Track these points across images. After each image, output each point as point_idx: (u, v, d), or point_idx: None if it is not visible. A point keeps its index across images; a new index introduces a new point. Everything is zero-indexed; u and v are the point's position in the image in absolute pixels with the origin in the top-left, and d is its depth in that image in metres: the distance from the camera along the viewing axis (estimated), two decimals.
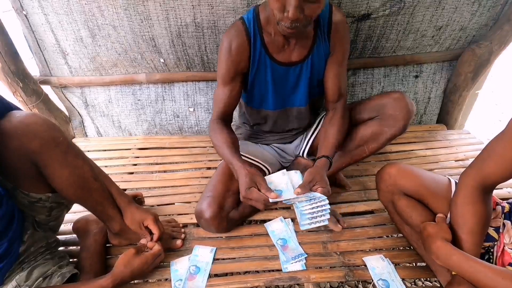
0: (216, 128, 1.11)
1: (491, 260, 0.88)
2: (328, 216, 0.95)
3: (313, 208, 0.93)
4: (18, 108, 0.82)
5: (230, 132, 1.12)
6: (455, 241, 0.85)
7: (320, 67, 1.12)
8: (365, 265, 1.03)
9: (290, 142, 1.35)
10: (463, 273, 0.79)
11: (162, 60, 1.47)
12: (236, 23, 1.04)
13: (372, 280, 0.98)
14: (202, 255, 1.07)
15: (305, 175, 1.00)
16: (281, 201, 0.94)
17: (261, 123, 1.27)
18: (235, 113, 1.66)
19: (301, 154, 1.34)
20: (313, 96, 1.20)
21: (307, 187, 0.95)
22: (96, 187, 0.93)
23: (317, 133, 1.30)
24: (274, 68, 1.08)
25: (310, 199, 0.93)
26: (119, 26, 1.33)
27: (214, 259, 1.07)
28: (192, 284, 0.99)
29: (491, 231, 0.89)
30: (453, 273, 0.84)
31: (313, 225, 0.94)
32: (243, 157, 1.22)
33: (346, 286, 1.27)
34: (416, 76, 1.64)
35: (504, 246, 0.85)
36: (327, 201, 0.93)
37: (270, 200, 0.91)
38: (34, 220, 0.93)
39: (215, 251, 1.09)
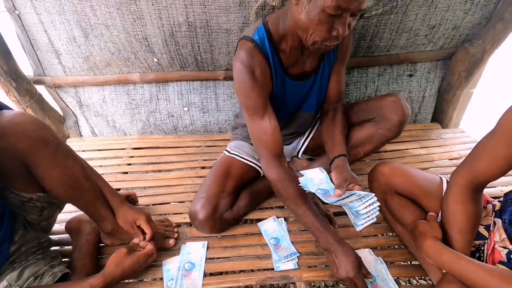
0: (279, 175, 1.00)
1: (482, 258, 0.89)
2: (377, 213, 0.93)
3: (366, 207, 0.91)
4: (8, 107, 0.82)
5: (295, 178, 0.99)
6: (446, 240, 0.85)
7: (329, 72, 1.12)
8: None
9: (288, 144, 1.34)
10: (454, 272, 0.79)
11: (155, 60, 1.47)
12: (246, 45, 0.95)
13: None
14: (195, 251, 1.07)
15: (335, 176, 0.98)
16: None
17: None
18: (230, 113, 1.67)
19: (296, 154, 1.34)
20: (322, 103, 1.19)
21: (344, 187, 0.93)
22: (87, 187, 0.93)
23: (314, 133, 1.30)
24: (291, 84, 1.06)
25: (360, 198, 0.92)
26: (111, 26, 1.32)
27: (207, 254, 1.07)
28: (189, 280, 0.99)
29: (482, 229, 0.90)
30: (443, 271, 0.84)
31: (367, 224, 0.93)
32: (238, 157, 1.23)
33: (340, 285, 1.28)
34: (410, 75, 1.64)
35: (494, 244, 0.85)
36: (376, 198, 0.92)
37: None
38: (25, 220, 0.93)
39: (207, 245, 1.10)
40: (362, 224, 0.93)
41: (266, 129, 1.00)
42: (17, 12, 1.33)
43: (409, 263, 1.11)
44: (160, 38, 1.36)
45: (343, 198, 0.91)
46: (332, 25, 0.83)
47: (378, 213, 0.93)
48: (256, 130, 1.01)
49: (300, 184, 0.97)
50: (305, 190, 0.96)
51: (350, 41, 1.13)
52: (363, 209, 0.91)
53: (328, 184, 0.98)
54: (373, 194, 0.91)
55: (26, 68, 1.52)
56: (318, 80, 1.10)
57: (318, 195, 0.94)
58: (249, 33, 0.98)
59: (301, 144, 1.32)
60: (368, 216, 0.92)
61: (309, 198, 1.01)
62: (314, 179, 0.99)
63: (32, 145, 0.78)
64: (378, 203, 0.91)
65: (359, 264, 0.92)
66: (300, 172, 1.01)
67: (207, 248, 1.10)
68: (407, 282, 1.27)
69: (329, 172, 1.01)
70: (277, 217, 1.20)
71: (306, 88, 1.11)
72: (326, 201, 0.92)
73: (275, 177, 1.00)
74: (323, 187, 0.96)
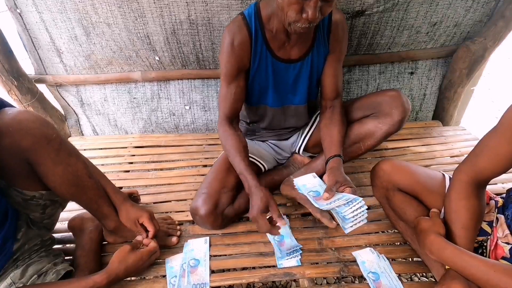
0: (225, 132, 1.10)
1: (484, 254, 0.89)
2: (366, 215, 0.97)
3: (353, 211, 0.95)
4: (10, 105, 0.82)
5: (239, 136, 1.11)
6: (449, 236, 0.85)
7: (319, 65, 1.13)
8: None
9: (286, 139, 1.35)
10: (457, 267, 0.79)
11: (157, 58, 1.47)
12: (237, 18, 1.04)
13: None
14: (197, 248, 1.08)
15: (327, 178, 1.01)
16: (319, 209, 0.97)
17: (258, 121, 1.28)
18: None
19: (297, 150, 1.35)
20: (312, 97, 1.21)
21: (333, 190, 0.96)
22: (90, 185, 0.93)
23: (314, 130, 1.30)
24: (274, 64, 1.09)
25: (348, 203, 0.94)
26: (113, 24, 1.32)
27: (210, 249, 1.08)
28: (196, 276, 0.99)
29: (485, 225, 0.90)
30: (446, 267, 0.85)
31: (355, 227, 0.98)
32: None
33: (342, 282, 1.28)
34: (412, 73, 1.64)
35: (497, 240, 0.85)
36: (364, 202, 0.95)
37: (281, 227, 0.96)
38: (28, 218, 0.93)
39: (209, 240, 1.11)
40: (350, 227, 0.97)
41: (227, 95, 1.09)
42: (18, 10, 1.33)
43: (411, 259, 1.11)
44: (162, 36, 1.36)
45: (331, 203, 0.94)
46: (302, 6, 0.85)
47: (366, 215, 0.97)
48: (221, 95, 1.11)
49: (295, 187, 1.06)
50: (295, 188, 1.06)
51: (343, 35, 1.11)
52: (350, 214, 0.94)
53: (321, 187, 1.02)
54: (361, 199, 0.94)
55: (28, 66, 1.52)
56: (307, 69, 1.11)
57: (309, 199, 0.99)
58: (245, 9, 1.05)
59: (300, 141, 1.33)
60: (355, 220, 0.96)
61: (246, 153, 1.09)
62: (306, 184, 1.05)
63: (35, 142, 0.78)
64: (366, 207, 0.95)
65: (264, 205, 0.96)
66: (293, 179, 1.08)
67: (210, 243, 1.10)
68: (409, 279, 1.27)
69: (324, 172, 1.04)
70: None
71: (293, 74, 1.12)
72: (316, 206, 0.96)
73: (221, 134, 1.11)
74: (315, 189, 1.02)
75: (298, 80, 1.13)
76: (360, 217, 0.96)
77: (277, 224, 0.96)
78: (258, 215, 0.96)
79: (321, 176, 1.06)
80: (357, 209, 0.94)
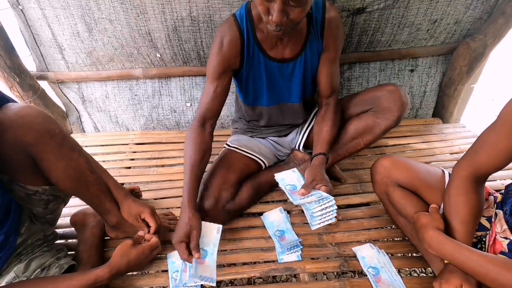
0: (191, 133, 1.06)
1: (483, 249, 0.90)
2: (335, 214, 1.01)
3: (322, 209, 0.98)
4: (13, 101, 0.82)
5: (202, 142, 1.06)
6: (448, 231, 0.86)
7: (313, 63, 1.13)
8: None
9: (286, 135, 1.36)
10: (455, 261, 0.80)
11: (158, 55, 1.47)
12: (229, 19, 1.04)
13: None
14: (209, 234, 1.02)
15: (306, 175, 1.05)
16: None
17: (257, 119, 1.29)
18: (232, 108, 1.68)
19: (296, 147, 1.35)
20: (307, 94, 1.21)
21: (310, 187, 1.00)
22: (92, 180, 0.94)
23: (312, 126, 1.31)
24: (267, 64, 1.09)
25: (319, 200, 0.98)
26: (115, 20, 1.33)
27: (220, 241, 1.03)
28: (203, 267, 0.97)
29: (483, 221, 0.90)
30: (445, 262, 0.85)
31: (322, 224, 1.01)
32: (239, 151, 1.24)
33: (342, 277, 1.29)
34: (412, 70, 1.64)
35: (495, 235, 0.86)
36: (334, 201, 0.98)
37: (194, 257, 0.93)
38: (31, 213, 0.94)
39: (222, 230, 1.03)
40: (317, 224, 1.01)
41: (207, 92, 1.08)
42: (20, 7, 1.33)
43: (410, 255, 1.12)
44: (163, 33, 1.37)
45: (303, 199, 0.98)
46: (268, 7, 0.85)
47: (335, 214, 1.01)
48: (204, 92, 1.10)
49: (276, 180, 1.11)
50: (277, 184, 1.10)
51: (338, 32, 1.09)
52: (318, 211, 0.98)
53: (298, 182, 1.07)
54: (332, 198, 0.98)
55: (29, 63, 1.52)
56: (301, 68, 1.11)
57: (285, 192, 1.03)
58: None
59: (300, 137, 1.33)
60: (323, 218, 1.00)
61: (199, 165, 1.04)
62: (285, 178, 1.09)
63: (38, 137, 0.78)
64: (335, 207, 0.99)
65: (185, 234, 0.94)
66: (274, 175, 1.11)
67: (221, 235, 1.03)
68: (408, 274, 1.28)
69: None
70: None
71: (286, 73, 1.12)
72: (291, 200, 1.00)
73: (188, 133, 1.08)
74: (292, 183, 1.05)
75: (292, 79, 1.14)
76: (328, 215, 1.00)
77: (195, 255, 0.93)
78: (177, 244, 0.95)
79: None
80: (326, 208, 0.98)
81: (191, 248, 0.94)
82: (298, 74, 1.12)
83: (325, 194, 0.98)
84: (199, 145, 1.05)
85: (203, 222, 1.01)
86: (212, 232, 1.03)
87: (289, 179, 1.08)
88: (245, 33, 1.03)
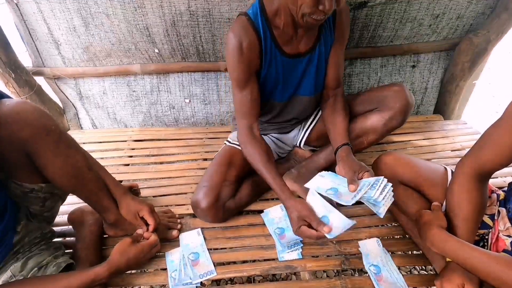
0: (247, 147, 1.07)
1: (486, 247, 0.89)
2: (393, 192, 0.95)
3: (381, 193, 0.92)
4: (8, 97, 0.81)
5: (261, 145, 1.08)
6: (451, 229, 0.85)
7: (326, 55, 1.12)
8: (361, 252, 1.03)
9: (288, 132, 1.34)
10: (458, 259, 0.79)
11: (156, 51, 1.45)
12: (240, 19, 0.99)
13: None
14: (192, 241, 1.08)
15: (342, 171, 1.01)
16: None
17: (263, 114, 1.26)
18: (232, 104, 1.66)
19: (298, 144, 1.34)
20: (320, 88, 1.19)
21: (356, 180, 0.95)
22: (90, 177, 0.92)
23: (315, 123, 1.29)
24: (283, 61, 1.07)
25: (372, 186, 0.93)
26: (112, 15, 1.30)
27: (206, 242, 1.08)
28: (199, 267, 0.99)
29: (486, 219, 0.90)
30: (447, 259, 0.85)
31: (387, 207, 0.94)
32: (238, 147, 1.22)
33: (342, 275, 1.28)
34: (413, 66, 1.63)
35: (498, 233, 0.85)
36: (386, 179, 0.93)
37: (326, 235, 0.91)
38: (28, 211, 0.92)
39: (202, 231, 1.11)
40: (384, 210, 0.93)
41: (244, 101, 1.06)
42: (15, 1, 1.31)
43: (410, 252, 1.11)
44: (161, 28, 1.35)
45: (357, 194, 0.92)
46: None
47: (392, 193, 0.94)
48: (236, 100, 1.08)
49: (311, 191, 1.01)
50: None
51: (347, 23, 1.11)
52: (379, 195, 0.91)
53: (334, 182, 0.99)
54: (382, 177, 0.93)
55: (25, 59, 1.50)
56: (315, 61, 1.10)
57: (332, 198, 0.96)
58: (247, 9, 1.01)
59: (302, 134, 1.32)
60: (385, 200, 0.93)
61: (271, 163, 1.05)
62: (320, 185, 1.01)
63: (34, 133, 0.77)
64: (390, 184, 0.93)
65: (298, 219, 0.95)
66: (305, 186, 1.04)
67: (203, 234, 1.10)
68: (409, 272, 1.28)
69: (334, 162, 1.02)
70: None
71: (301, 68, 1.10)
72: (342, 204, 0.93)
73: (242, 145, 1.09)
74: (332, 186, 0.99)
75: (306, 72, 1.12)
76: (388, 195, 0.94)
77: (324, 230, 0.91)
78: (298, 231, 0.95)
79: (326, 170, 1.06)
80: (383, 189, 0.92)
81: (315, 227, 0.93)
82: (313, 68, 1.11)
83: (373, 179, 0.94)
84: (259, 150, 1.06)
85: (181, 235, 1.09)
86: (194, 237, 1.09)
87: (324, 185, 1.00)
88: (261, 33, 0.99)
